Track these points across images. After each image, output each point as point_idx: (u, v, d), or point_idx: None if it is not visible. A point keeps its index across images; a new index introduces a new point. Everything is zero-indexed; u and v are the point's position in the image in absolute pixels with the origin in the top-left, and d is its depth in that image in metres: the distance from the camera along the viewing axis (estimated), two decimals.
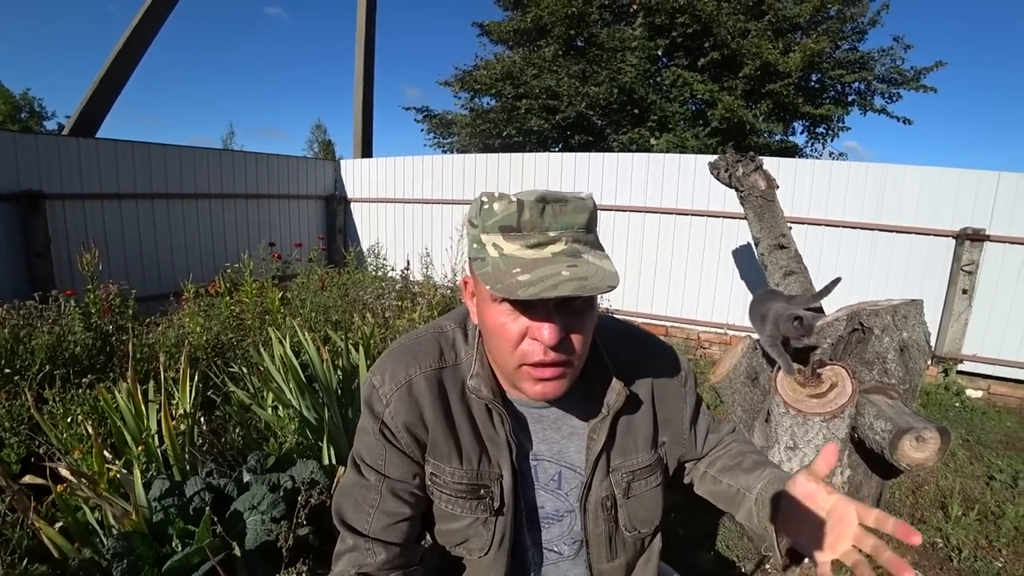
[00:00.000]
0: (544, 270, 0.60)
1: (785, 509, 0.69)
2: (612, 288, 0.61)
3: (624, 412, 0.80)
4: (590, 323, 0.69)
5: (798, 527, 0.66)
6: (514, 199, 0.63)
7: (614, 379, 0.78)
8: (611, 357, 0.79)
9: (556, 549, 0.84)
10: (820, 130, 9.11)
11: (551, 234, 0.63)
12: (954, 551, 1.96)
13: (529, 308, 0.65)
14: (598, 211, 0.71)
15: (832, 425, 1.66)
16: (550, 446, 0.81)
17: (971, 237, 3.57)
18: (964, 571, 1.86)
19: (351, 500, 0.78)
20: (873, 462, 1.75)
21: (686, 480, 0.96)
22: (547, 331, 0.64)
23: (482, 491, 0.77)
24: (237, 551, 1.38)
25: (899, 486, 2.35)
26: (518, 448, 0.78)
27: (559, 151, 9.27)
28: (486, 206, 0.65)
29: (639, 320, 4.75)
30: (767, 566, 1.77)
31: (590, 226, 0.66)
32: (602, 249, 0.67)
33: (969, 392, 3.68)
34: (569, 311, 0.65)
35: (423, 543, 0.88)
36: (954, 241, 3.68)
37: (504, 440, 0.77)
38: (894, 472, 1.69)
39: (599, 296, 0.70)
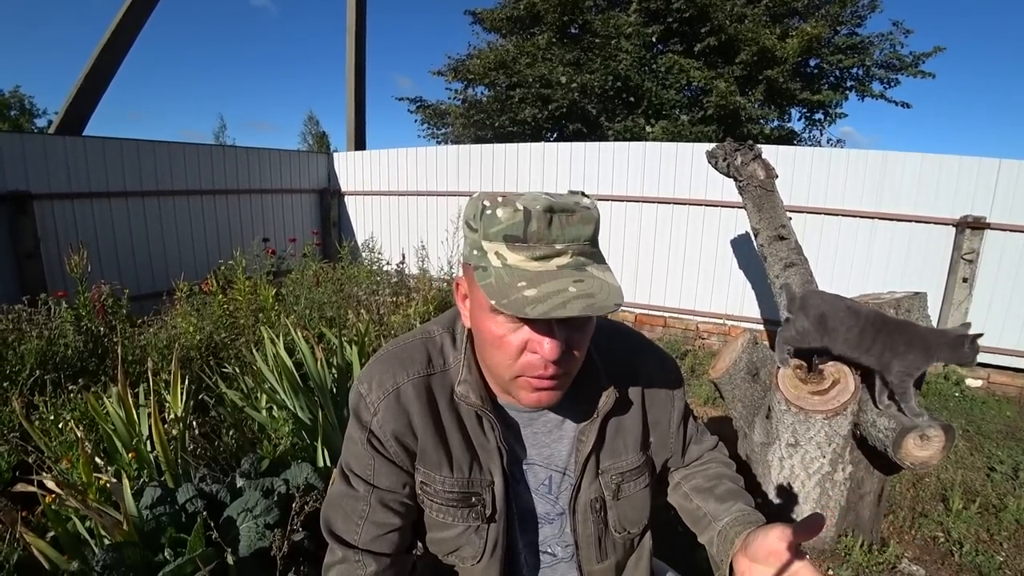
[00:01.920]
0: (550, 285, 0.58)
1: (748, 552, 0.68)
2: (619, 307, 0.58)
3: (614, 414, 0.79)
4: (589, 335, 0.68)
5: (750, 573, 0.66)
6: (520, 207, 0.60)
7: (603, 380, 0.77)
8: (601, 357, 0.78)
9: (550, 551, 0.84)
10: (817, 116, 9.04)
11: (558, 247, 0.61)
12: (955, 545, 1.95)
13: (531, 321, 0.62)
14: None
15: (834, 422, 1.64)
16: (540, 450, 0.80)
17: (971, 225, 3.54)
18: (966, 565, 1.85)
19: (340, 511, 0.77)
20: (875, 458, 1.73)
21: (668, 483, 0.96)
22: (549, 346, 0.62)
23: (473, 499, 0.76)
24: (230, 559, 1.36)
25: (899, 479, 2.34)
26: (509, 454, 0.77)
27: (554, 140, 9.20)
28: (488, 211, 0.62)
29: (638, 311, 4.73)
30: None
31: (595, 238, 0.64)
32: (604, 261, 0.65)
33: (969, 381, 3.67)
34: (571, 325, 0.64)
35: (415, 552, 0.87)
36: (954, 229, 3.65)
37: (495, 446, 0.75)
38: (896, 468, 1.67)
39: None
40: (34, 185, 3.91)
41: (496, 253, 0.62)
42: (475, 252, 0.64)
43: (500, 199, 0.62)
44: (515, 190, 0.66)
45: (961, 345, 1.42)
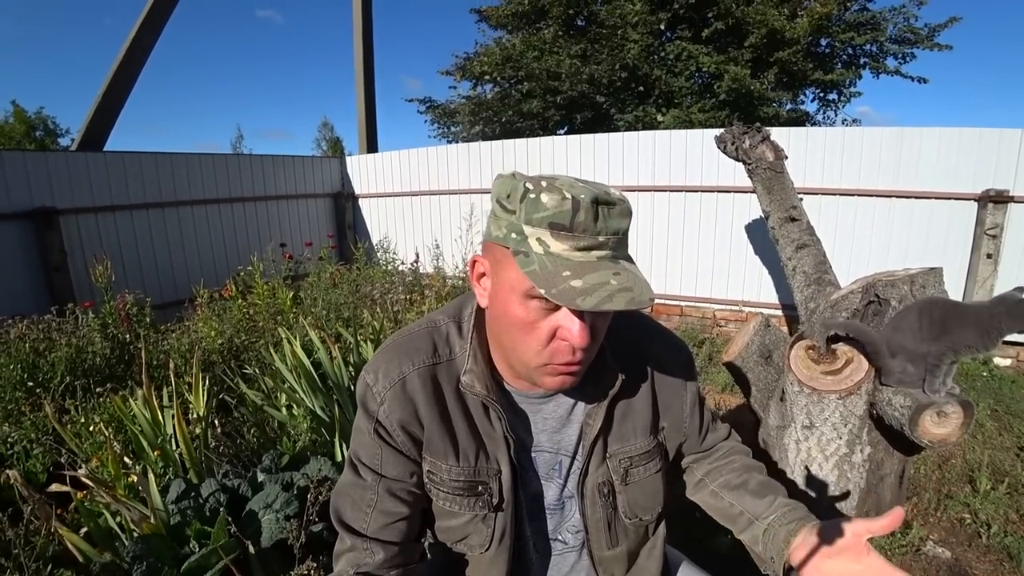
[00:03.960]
0: (593, 277, 0.59)
1: (809, 549, 0.69)
2: (653, 301, 0.60)
3: (622, 397, 0.79)
4: (608, 322, 0.70)
5: (823, 570, 0.68)
6: (568, 195, 0.59)
7: (610, 363, 0.77)
8: (609, 340, 0.78)
9: (560, 538, 0.84)
10: (831, 97, 8.83)
11: (600, 239, 0.61)
12: (983, 527, 1.90)
13: (561, 309, 0.63)
14: None
15: (849, 402, 1.61)
16: (550, 436, 0.80)
17: (994, 199, 3.43)
18: (994, 547, 1.81)
19: (348, 500, 0.78)
20: (894, 439, 1.70)
21: (684, 478, 0.94)
22: (580, 334, 0.63)
23: (480, 488, 0.77)
24: (252, 549, 1.40)
25: (924, 460, 2.29)
26: (516, 442, 0.77)
27: (563, 133, 9.16)
28: (532, 195, 0.61)
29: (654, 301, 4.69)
30: None
31: (627, 232, 0.65)
32: (630, 255, 0.67)
33: (997, 360, 3.57)
34: (597, 313, 0.64)
35: (424, 540, 0.88)
36: (976, 204, 3.54)
37: (501, 436, 0.76)
38: (917, 448, 1.64)
39: None
40: (59, 200, 4.05)
41: (538, 239, 0.61)
42: (514, 235, 0.63)
43: (544, 183, 0.61)
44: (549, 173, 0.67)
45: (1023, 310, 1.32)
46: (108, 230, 4.37)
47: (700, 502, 0.90)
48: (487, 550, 0.78)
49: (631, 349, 0.80)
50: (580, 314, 0.63)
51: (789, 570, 0.73)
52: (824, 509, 1.79)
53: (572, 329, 0.63)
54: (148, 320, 3.12)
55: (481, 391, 0.74)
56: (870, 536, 0.65)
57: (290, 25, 69.56)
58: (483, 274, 0.71)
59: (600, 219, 0.60)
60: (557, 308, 0.63)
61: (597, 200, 0.60)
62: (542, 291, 0.59)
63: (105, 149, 5.13)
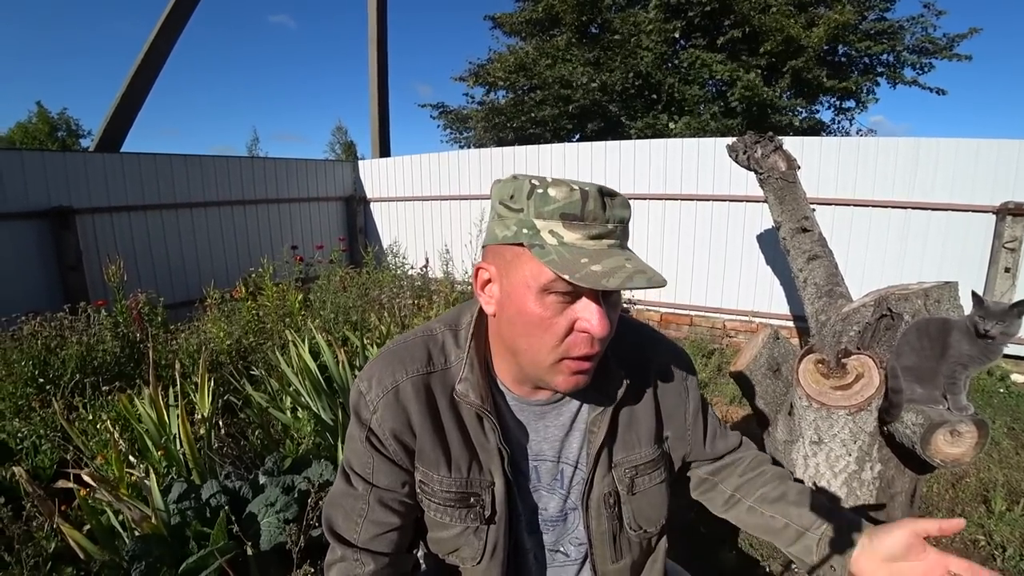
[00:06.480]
0: (610, 262, 0.60)
1: (871, 556, 0.71)
2: (666, 283, 0.61)
3: (626, 404, 0.78)
4: (617, 316, 0.70)
5: (884, 572, 0.69)
6: (575, 187, 0.62)
7: (613, 368, 0.76)
8: (611, 347, 0.76)
9: (562, 550, 0.83)
10: (848, 105, 8.74)
11: (609, 226, 0.63)
12: (997, 549, 1.85)
13: (579, 299, 0.64)
14: None
15: (858, 418, 1.57)
16: (553, 444, 0.79)
17: (1013, 212, 3.35)
18: (1009, 571, 1.76)
19: (340, 510, 0.77)
20: (905, 457, 1.65)
21: (695, 493, 0.93)
22: (600, 323, 0.63)
23: (472, 499, 0.75)
24: (250, 552, 1.40)
25: (937, 479, 2.24)
26: (513, 453, 0.76)
27: (575, 140, 9.16)
28: (540, 190, 0.62)
29: (663, 310, 4.66)
30: (794, 567, 1.70)
31: (629, 222, 0.67)
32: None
33: (1015, 376, 3.48)
34: (609, 303, 0.65)
35: (417, 550, 0.87)
36: (994, 217, 3.46)
37: (495, 447, 0.74)
38: (929, 467, 1.59)
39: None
40: (76, 200, 4.11)
41: (551, 231, 0.62)
42: (525, 231, 0.63)
43: (549, 179, 0.63)
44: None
45: (1015, 316, 1.28)
46: (123, 230, 4.43)
47: (734, 519, 0.87)
48: (479, 563, 0.77)
49: (634, 356, 0.80)
50: (598, 302, 0.63)
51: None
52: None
53: (592, 319, 0.63)
54: (160, 320, 3.16)
55: (475, 401, 0.73)
56: (927, 536, 0.68)
57: (302, 30, 70.50)
58: (488, 281, 0.70)
59: (607, 208, 0.62)
60: (574, 300, 0.63)
61: (602, 191, 0.62)
62: (566, 276, 0.59)
63: (122, 150, 5.21)
